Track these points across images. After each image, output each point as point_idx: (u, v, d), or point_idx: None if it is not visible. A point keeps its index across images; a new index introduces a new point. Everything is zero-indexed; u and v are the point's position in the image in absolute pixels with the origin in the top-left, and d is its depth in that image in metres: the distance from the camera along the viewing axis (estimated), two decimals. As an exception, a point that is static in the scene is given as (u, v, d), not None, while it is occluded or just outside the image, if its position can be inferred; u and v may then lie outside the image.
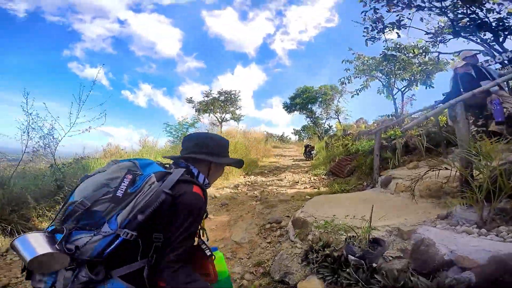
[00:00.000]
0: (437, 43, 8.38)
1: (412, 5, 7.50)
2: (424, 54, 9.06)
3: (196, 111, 18.30)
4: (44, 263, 0.85)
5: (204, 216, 1.15)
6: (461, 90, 4.11)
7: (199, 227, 1.18)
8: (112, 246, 0.91)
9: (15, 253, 0.89)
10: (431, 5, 7.27)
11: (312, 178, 7.68)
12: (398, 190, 3.82)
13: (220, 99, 19.30)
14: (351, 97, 12.41)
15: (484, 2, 6.37)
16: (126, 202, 0.96)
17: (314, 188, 6.39)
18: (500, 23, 6.39)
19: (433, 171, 2.67)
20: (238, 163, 1.37)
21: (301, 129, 26.41)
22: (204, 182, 1.25)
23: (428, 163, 4.48)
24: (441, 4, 7.04)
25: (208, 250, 1.17)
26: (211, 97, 19.21)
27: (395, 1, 7.60)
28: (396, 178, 4.09)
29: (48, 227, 0.99)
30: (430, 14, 7.79)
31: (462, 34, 7.12)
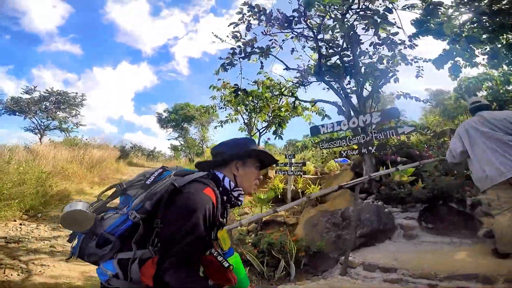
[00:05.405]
0: (299, 85, 6.69)
1: (290, 28, 5.37)
2: (287, 96, 7.69)
3: (3, 109, 11.50)
4: (72, 219, 0.88)
5: (218, 224, 1.01)
6: None
7: (213, 235, 1.01)
8: (123, 226, 0.90)
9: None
10: (310, 35, 5.36)
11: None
12: None
13: (49, 99, 12.94)
14: (214, 128, 10.26)
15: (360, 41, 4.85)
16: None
17: None
18: (368, 69, 5.01)
19: None
20: (264, 155, 1.15)
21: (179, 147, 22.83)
22: (231, 186, 1.07)
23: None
24: (320, 35, 5.26)
25: (226, 262, 0.99)
26: (32, 96, 12.52)
27: (273, 17, 5.33)
28: None
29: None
30: (304, 47, 5.99)
31: (326, 77, 5.44)
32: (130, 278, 0.87)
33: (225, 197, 1.05)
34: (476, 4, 4.36)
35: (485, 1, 4.46)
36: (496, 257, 2.39)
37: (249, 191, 1.14)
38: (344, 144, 4.81)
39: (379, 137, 4.42)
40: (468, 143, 2.51)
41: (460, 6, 4.57)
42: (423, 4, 4.52)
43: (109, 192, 1.08)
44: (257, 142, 10.50)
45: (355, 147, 4.84)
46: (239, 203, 1.09)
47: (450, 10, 4.92)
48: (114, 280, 0.87)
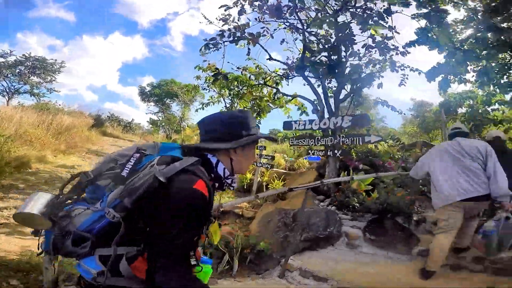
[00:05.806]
0: (283, 77, 6.51)
1: (281, 18, 5.14)
2: (270, 86, 7.48)
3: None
4: (25, 220, 0.84)
5: (213, 219, 1.00)
6: None
7: (204, 231, 0.96)
8: (100, 224, 0.81)
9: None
10: (305, 28, 5.06)
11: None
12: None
13: (25, 64, 12.09)
14: (195, 111, 9.95)
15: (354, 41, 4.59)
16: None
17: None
18: (352, 71, 4.89)
19: None
20: (270, 139, 1.14)
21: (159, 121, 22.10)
22: (225, 174, 0.95)
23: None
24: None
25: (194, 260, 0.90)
26: (7, 59, 11.64)
27: (267, 4, 5.07)
28: None
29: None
30: (296, 39, 5.83)
31: (307, 72, 5.25)
32: (122, 275, 0.81)
33: (216, 184, 0.96)
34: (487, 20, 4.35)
35: (498, 18, 4.41)
36: (420, 277, 2.48)
37: (244, 172, 1.09)
38: (312, 144, 4.76)
39: (346, 142, 4.39)
40: (438, 164, 2.63)
41: (470, 21, 4.51)
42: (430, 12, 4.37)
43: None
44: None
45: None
46: (232, 188, 1.01)
47: (459, 24, 4.85)
48: (101, 278, 0.80)
